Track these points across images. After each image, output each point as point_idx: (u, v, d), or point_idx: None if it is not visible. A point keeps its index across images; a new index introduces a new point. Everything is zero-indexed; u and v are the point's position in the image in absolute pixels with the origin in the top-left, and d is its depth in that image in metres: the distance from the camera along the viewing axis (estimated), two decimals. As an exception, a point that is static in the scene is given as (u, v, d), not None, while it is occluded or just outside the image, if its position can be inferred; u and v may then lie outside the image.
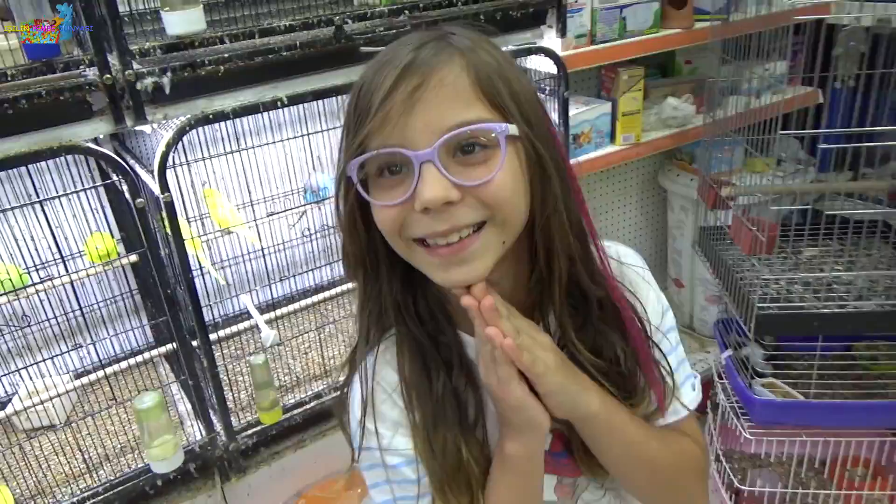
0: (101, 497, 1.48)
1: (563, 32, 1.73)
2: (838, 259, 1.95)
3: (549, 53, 1.72)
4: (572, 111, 1.95)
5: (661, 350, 0.78)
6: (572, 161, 1.79)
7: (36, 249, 1.64)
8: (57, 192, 1.59)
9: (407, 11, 1.52)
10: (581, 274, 0.71)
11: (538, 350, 0.67)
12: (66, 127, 1.24)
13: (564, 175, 0.68)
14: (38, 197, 1.57)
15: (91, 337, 1.78)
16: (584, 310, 0.73)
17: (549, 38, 1.78)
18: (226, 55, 1.31)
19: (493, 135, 0.61)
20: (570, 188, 0.69)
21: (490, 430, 0.76)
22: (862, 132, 1.62)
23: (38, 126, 1.21)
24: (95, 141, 1.43)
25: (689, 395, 0.81)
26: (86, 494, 1.47)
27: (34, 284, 1.48)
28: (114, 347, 1.84)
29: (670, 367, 0.78)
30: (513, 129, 0.63)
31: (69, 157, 1.56)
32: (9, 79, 1.16)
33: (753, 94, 1.95)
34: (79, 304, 1.66)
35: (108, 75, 1.22)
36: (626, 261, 0.80)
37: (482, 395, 0.75)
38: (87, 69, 1.22)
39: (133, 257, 1.63)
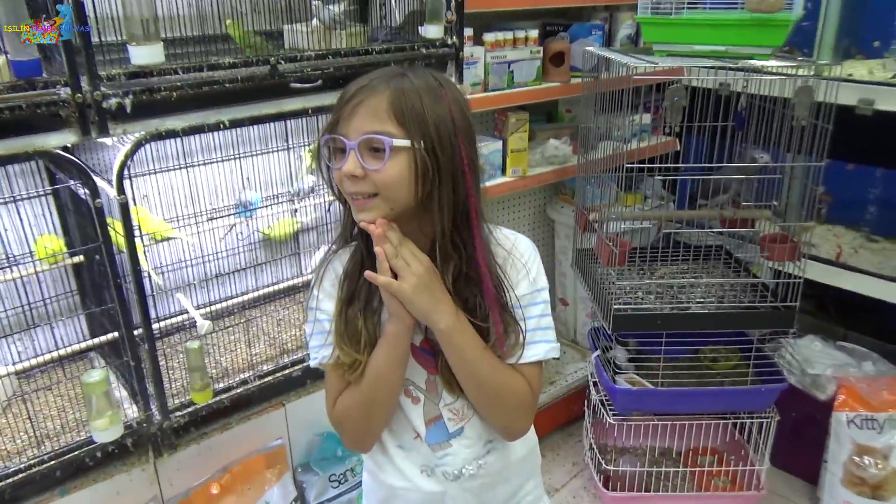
0: (46, 465, 1.66)
1: (460, 80, 2.10)
2: (684, 274, 2.37)
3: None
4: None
5: (511, 313, 1.10)
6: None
7: (-10, 247, 1.81)
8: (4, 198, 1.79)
9: (331, 56, 1.84)
10: (456, 242, 1.06)
11: (413, 264, 1.03)
12: (40, 135, 1.47)
13: (455, 182, 1.02)
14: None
15: (33, 332, 1.95)
16: (458, 267, 1.07)
17: (450, 85, 2.14)
18: (178, 83, 1.59)
19: (383, 144, 0.98)
20: (459, 191, 1.03)
21: (383, 319, 1.11)
22: (702, 169, 2.05)
23: (16, 133, 1.44)
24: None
25: (536, 350, 1.11)
26: (32, 462, 1.64)
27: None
28: (50, 343, 2.01)
29: (522, 327, 1.10)
30: (399, 142, 0.97)
31: (16, 168, 1.78)
32: (-5, 93, 1.39)
33: (623, 139, 2.37)
34: (28, 300, 1.84)
35: (80, 94, 1.47)
36: (517, 246, 1.14)
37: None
38: (62, 88, 1.47)
39: (79, 257, 1.85)
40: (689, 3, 2.00)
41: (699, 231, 2.56)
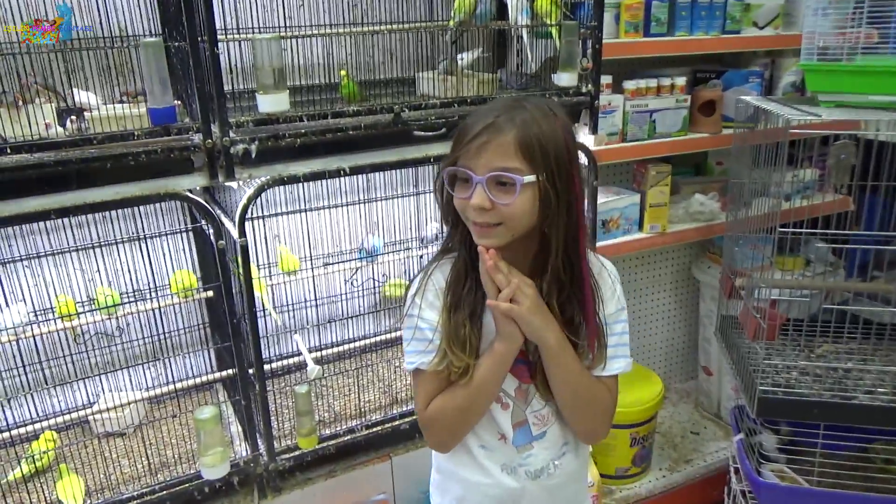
0: (157, 495, 1.71)
1: (594, 130, 1.98)
2: (850, 356, 2.05)
3: (581, 147, 1.96)
4: (603, 199, 2.17)
5: (603, 327, 1.18)
6: (600, 244, 2.00)
7: (133, 280, 1.94)
8: (159, 231, 1.91)
9: (457, 104, 1.80)
10: (565, 262, 1.12)
11: (525, 288, 1.10)
12: (172, 178, 1.55)
13: (570, 207, 1.08)
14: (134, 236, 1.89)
15: (166, 360, 2.05)
16: (563, 284, 1.13)
17: (584, 134, 2.02)
18: (303, 130, 1.61)
19: (513, 181, 1.04)
20: (572, 214, 1.09)
21: (486, 324, 1.17)
22: (882, 237, 1.76)
23: (151, 176, 1.53)
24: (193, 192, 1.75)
25: (618, 364, 1.20)
26: (145, 491, 1.70)
27: (118, 304, 1.77)
28: (183, 371, 2.11)
29: (605, 340, 1.18)
30: (528, 178, 1.03)
31: (165, 206, 1.90)
32: (135, 137, 1.48)
33: (783, 196, 2.11)
34: (161, 329, 1.94)
35: (210, 140, 1.53)
36: (605, 267, 1.22)
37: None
38: (194, 134, 1.54)
39: (209, 292, 1.93)
40: (863, 49, 1.75)
41: (873, 307, 2.21)
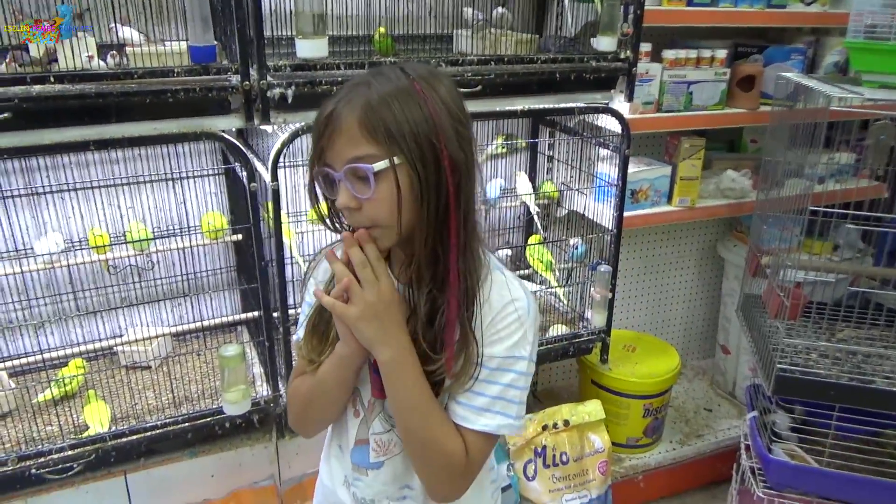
0: (179, 426, 1.77)
1: (630, 98, 1.96)
2: (872, 341, 2.04)
3: (615, 114, 1.95)
4: (633, 168, 2.16)
5: (474, 345, 0.95)
6: (627, 213, 1.99)
7: (165, 218, 1.98)
8: (192, 172, 1.94)
9: (493, 62, 1.80)
10: (430, 256, 0.94)
11: (368, 289, 0.93)
12: (209, 118, 1.57)
13: (439, 188, 0.90)
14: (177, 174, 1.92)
15: (191, 300, 2.10)
16: (433, 293, 0.96)
17: (619, 102, 2.01)
18: (339, 78, 1.62)
19: (364, 171, 0.88)
20: (440, 197, 0.91)
21: None
22: None
23: (188, 114, 1.55)
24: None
25: (488, 420, 0.97)
26: (168, 421, 1.76)
27: (151, 239, 1.81)
28: (210, 312, 2.16)
29: (474, 359, 0.95)
30: (379, 165, 0.88)
31: (198, 148, 1.93)
32: (175, 75, 1.50)
33: (816, 179, 2.08)
34: (186, 270, 1.99)
35: (247, 82, 1.55)
36: (515, 302, 0.98)
37: None
38: (233, 76, 1.55)
39: (238, 235, 1.96)
40: (914, 27, 1.72)
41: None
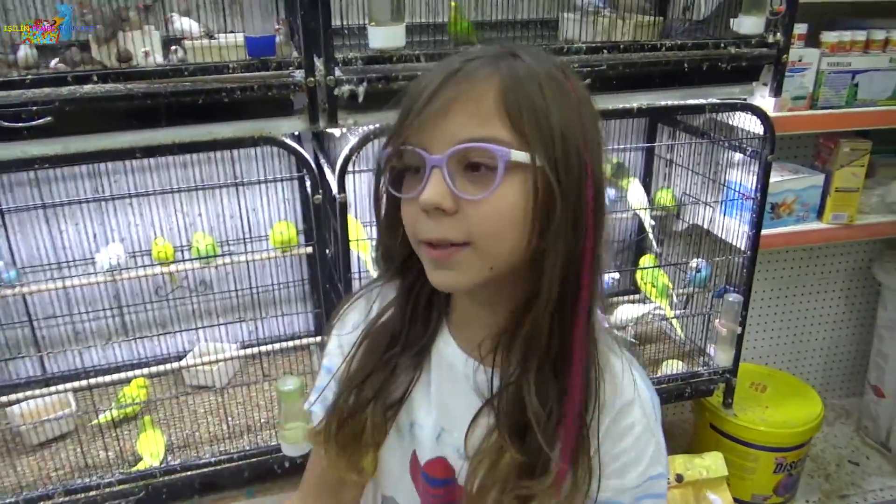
0: (235, 464, 1.59)
1: (777, 92, 1.59)
2: None
3: (756, 112, 1.59)
4: (776, 178, 1.79)
5: (588, 446, 0.68)
6: (765, 232, 1.63)
7: (233, 227, 1.80)
8: (258, 179, 1.75)
9: (606, 51, 1.48)
10: (554, 316, 0.66)
11: None
12: (269, 120, 1.36)
13: (578, 222, 0.64)
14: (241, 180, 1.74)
15: (262, 315, 1.93)
16: (544, 355, 0.68)
17: (761, 96, 1.64)
18: (419, 72, 1.36)
19: (493, 155, 0.61)
20: (579, 236, 0.65)
21: (410, 413, 0.77)
22: None
23: (245, 116, 1.34)
24: (298, 138, 1.56)
25: None
26: (222, 458, 1.58)
27: (218, 256, 1.64)
28: (281, 328, 1.98)
29: (591, 467, 0.68)
30: (519, 155, 0.62)
31: (274, 149, 1.73)
32: (230, 71, 1.30)
33: None
34: (255, 283, 1.81)
35: (312, 78, 1.32)
36: (641, 391, 0.71)
37: (411, 389, 0.76)
38: (296, 71, 1.33)
39: (309, 248, 1.75)
40: None
41: None
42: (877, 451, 2.32)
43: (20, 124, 1.20)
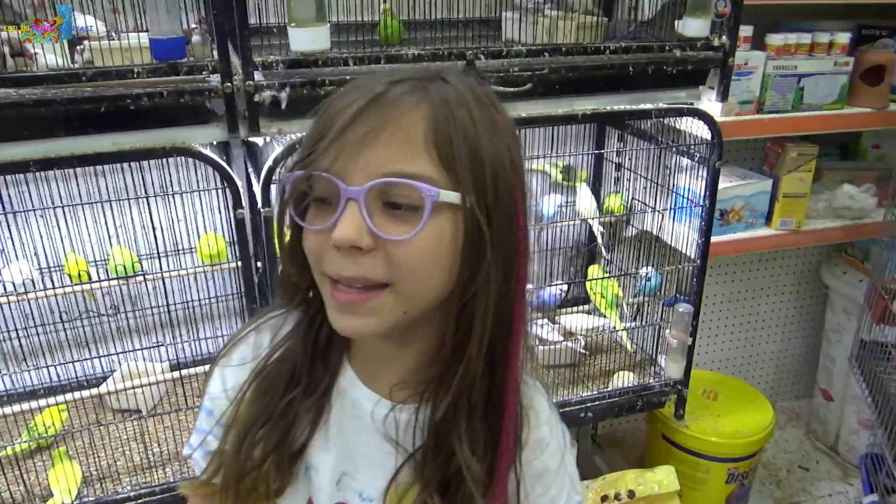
0: (158, 497, 1.48)
1: (724, 96, 1.54)
2: None
3: (703, 117, 1.54)
4: (724, 184, 1.74)
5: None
6: (715, 239, 1.57)
7: (153, 238, 1.68)
8: (180, 187, 1.63)
9: (547, 53, 1.41)
10: (486, 365, 0.64)
11: None
12: (182, 129, 1.25)
13: (508, 264, 0.62)
14: (162, 190, 1.61)
15: (192, 332, 1.81)
16: (474, 407, 0.65)
17: (708, 100, 1.59)
18: (348, 77, 1.26)
19: (420, 195, 0.57)
20: (510, 278, 0.62)
21: (308, 459, 0.70)
22: None
23: (156, 125, 1.23)
24: (227, 146, 1.44)
25: None
26: (143, 491, 1.47)
27: (137, 275, 1.52)
28: (214, 346, 1.86)
29: None
30: (449, 196, 0.57)
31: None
32: (135, 76, 1.18)
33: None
34: (184, 298, 1.70)
35: (229, 84, 1.21)
36: (534, 404, 0.71)
37: (315, 437, 0.70)
38: (211, 75, 1.22)
39: (236, 263, 1.64)
40: None
41: None
42: (826, 454, 2.32)
43: None
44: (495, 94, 0.63)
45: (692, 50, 1.50)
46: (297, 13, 1.22)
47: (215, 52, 1.21)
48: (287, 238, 0.65)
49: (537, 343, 1.85)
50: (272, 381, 0.69)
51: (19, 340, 1.69)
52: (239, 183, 1.33)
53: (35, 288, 1.53)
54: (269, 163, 1.28)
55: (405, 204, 0.57)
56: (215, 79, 1.22)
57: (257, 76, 1.24)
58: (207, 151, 1.27)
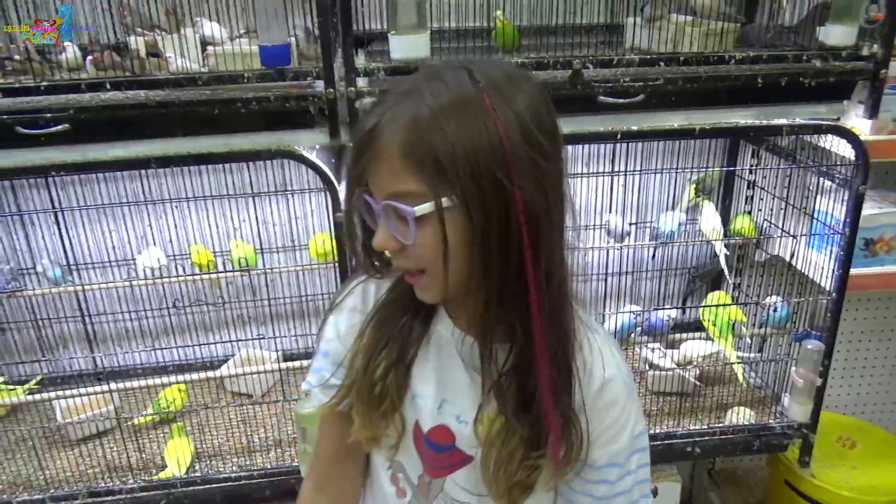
0: (256, 481, 1.55)
1: (873, 112, 1.36)
2: None
3: (845, 135, 1.37)
4: (872, 210, 1.55)
5: (574, 421, 0.78)
6: (855, 271, 1.42)
7: (266, 234, 1.77)
8: (290, 187, 1.71)
9: (662, 63, 1.32)
10: (509, 316, 0.74)
11: None
12: (288, 132, 1.30)
13: (510, 231, 0.68)
14: (275, 189, 1.70)
15: (305, 325, 1.89)
16: (515, 349, 0.76)
17: (856, 116, 1.41)
18: (447, 85, 1.25)
19: (404, 214, 0.68)
20: (513, 241, 0.69)
21: (415, 375, 0.84)
22: None
23: (264, 128, 1.29)
24: (342, 148, 1.49)
25: None
26: (243, 474, 1.55)
27: (236, 271, 1.60)
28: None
29: (579, 441, 0.79)
30: (425, 207, 0.67)
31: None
32: (245, 81, 1.24)
33: None
34: (298, 292, 1.80)
35: (331, 90, 1.25)
36: (617, 361, 0.81)
37: (419, 365, 0.83)
38: (315, 81, 1.26)
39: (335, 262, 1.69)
40: None
41: None
42: None
43: (37, 131, 1.20)
44: (500, 72, 0.69)
45: (835, 60, 1.34)
46: (400, 21, 1.23)
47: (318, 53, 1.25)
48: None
49: (647, 368, 1.75)
50: (388, 314, 0.83)
51: (156, 321, 1.86)
52: (341, 187, 1.37)
53: (163, 275, 1.67)
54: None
55: (403, 216, 0.69)
56: (319, 85, 1.26)
57: (359, 83, 1.26)
58: (311, 155, 1.31)
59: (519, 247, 0.69)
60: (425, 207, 0.68)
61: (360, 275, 0.87)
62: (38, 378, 1.73)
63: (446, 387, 0.82)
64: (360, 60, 1.27)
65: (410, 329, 0.82)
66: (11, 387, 1.65)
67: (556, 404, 0.76)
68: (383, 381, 0.81)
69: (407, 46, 1.23)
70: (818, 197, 1.62)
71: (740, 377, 1.68)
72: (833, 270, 1.54)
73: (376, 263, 0.81)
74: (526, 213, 0.67)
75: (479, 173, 0.66)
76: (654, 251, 1.79)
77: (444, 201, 0.67)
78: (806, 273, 1.64)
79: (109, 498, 1.52)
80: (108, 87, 1.22)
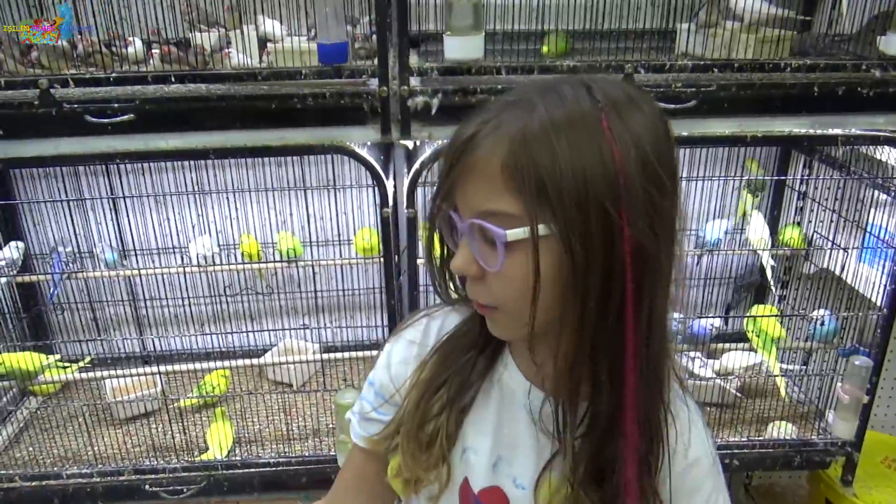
0: (293, 468, 1.59)
1: (933, 128, 1.33)
2: None
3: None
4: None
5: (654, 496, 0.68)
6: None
7: (313, 227, 1.81)
8: (341, 182, 1.74)
9: (716, 69, 1.31)
10: (597, 368, 0.64)
11: None
12: (340, 128, 1.33)
13: (612, 274, 0.60)
14: (325, 183, 1.73)
15: (346, 318, 1.92)
16: (597, 408, 0.66)
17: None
18: (499, 87, 1.27)
19: (493, 236, 0.60)
20: (615, 286, 0.60)
21: (473, 422, 0.75)
22: None
23: (318, 123, 1.32)
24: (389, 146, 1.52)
25: None
26: (281, 460, 1.59)
27: (284, 261, 1.64)
28: (364, 334, 1.97)
29: None
30: (518, 233, 0.59)
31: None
32: (303, 77, 1.28)
33: None
34: (341, 286, 1.82)
35: (385, 88, 1.27)
36: (707, 438, 0.72)
37: (477, 397, 0.75)
38: (370, 79, 1.29)
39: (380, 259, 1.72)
40: None
41: None
42: None
43: (105, 120, 1.25)
44: (621, 94, 0.60)
45: (895, 70, 1.31)
46: (455, 22, 1.24)
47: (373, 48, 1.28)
48: (437, 251, 0.72)
49: (687, 376, 1.74)
50: (453, 348, 0.76)
51: (203, 307, 1.92)
52: (389, 183, 1.39)
53: (216, 263, 1.72)
54: (416, 166, 1.32)
55: (492, 239, 0.61)
56: (374, 83, 1.29)
57: (413, 82, 1.28)
58: (362, 151, 1.34)
59: (621, 290, 0.60)
60: (518, 232, 0.59)
61: (431, 307, 0.81)
62: (90, 358, 1.79)
63: (504, 443, 0.73)
64: (414, 60, 1.29)
65: (473, 366, 0.75)
66: (66, 364, 1.72)
67: (640, 479, 0.66)
68: (436, 419, 0.74)
69: (462, 47, 1.25)
70: (872, 210, 1.58)
71: (783, 391, 1.65)
72: (885, 285, 1.51)
73: (451, 288, 0.73)
74: (633, 254, 0.58)
75: (585, 202, 0.57)
76: (698, 259, 1.78)
77: (542, 228, 0.58)
78: (856, 287, 1.61)
79: (153, 476, 1.57)
80: (173, 80, 1.26)
